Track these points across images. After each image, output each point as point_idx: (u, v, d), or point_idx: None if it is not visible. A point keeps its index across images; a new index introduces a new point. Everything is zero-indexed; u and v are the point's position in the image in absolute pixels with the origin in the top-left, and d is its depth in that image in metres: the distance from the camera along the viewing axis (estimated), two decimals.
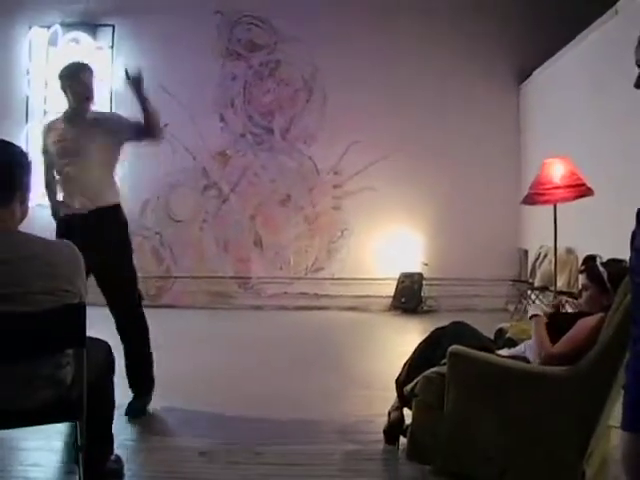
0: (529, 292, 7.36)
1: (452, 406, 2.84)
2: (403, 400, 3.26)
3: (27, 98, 8.35)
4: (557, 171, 4.79)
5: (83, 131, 3.77)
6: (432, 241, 8.52)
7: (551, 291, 6.24)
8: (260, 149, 8.75)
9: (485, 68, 8.57)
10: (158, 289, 8.50)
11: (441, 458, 2.88)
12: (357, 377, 4.92)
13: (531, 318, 3.06)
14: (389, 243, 8.52)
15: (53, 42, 8.43)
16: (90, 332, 2.32)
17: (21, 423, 2.45)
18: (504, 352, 3.10)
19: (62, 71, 3.86)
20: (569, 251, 6.60)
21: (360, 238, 8.60)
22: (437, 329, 3.39)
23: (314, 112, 8.69)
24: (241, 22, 8.72)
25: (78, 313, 2.27)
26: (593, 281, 2.98)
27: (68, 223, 3.76)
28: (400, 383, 3.31)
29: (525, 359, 2.94)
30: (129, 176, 8.51)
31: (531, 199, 5.00)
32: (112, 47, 8.37)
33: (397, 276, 8.41)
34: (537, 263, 7.45)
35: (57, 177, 3.84)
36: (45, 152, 3.87)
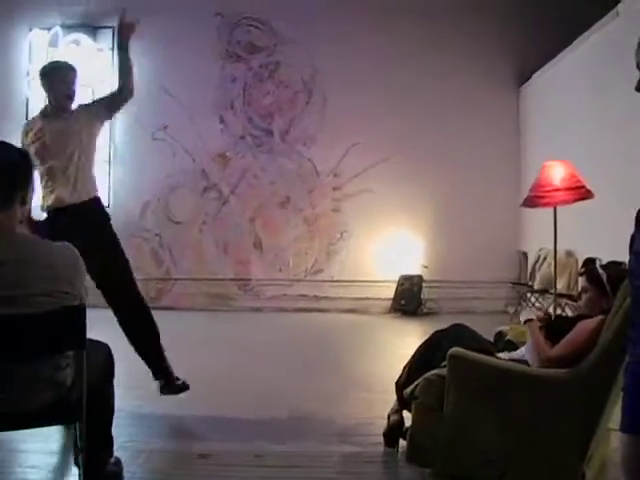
0: (529, 295, 7.36)
1: (452, 408, 2.83)
2: (403, 402, 3.25)
3: (27, 100, 8.37)
4: (557, 174, 4.78)
5: (63, 127, 3.79)
6: (432, 243, 8.53)
7: (551, 294, 6.24)
8: (260, 151, 8.76)
9: (485, 71, 8.58)
10: (158, 291, 8.50)
11: (441, 461, 2.87)
12: (357, 379, 4.92)
13: (525, 323, 3.05)
14: (389, 245, 8.53)
15: (53, 44, 8.46)
16: (90, 334, 2.32)
17: (21, 425, 2.44)
18: (504, 355, 3.10)
19: (44, 69, 3.89)
20: (569, 254, 6.61)
21: (360, 240, 8.60)
22: (437, 331, 3.38)
23: (314, 114, 8.70)
24: (241, 24, 8.73)
25: (78, 315, 2.27)
26: (592, 283, 2.98)
27: (52, 220, 3.77)
28: (400, 385, 3.30)
29: (526, 362, 2.93)
30: (130, 178, 8.56)
31: (531, 202, 4.99)
32: (112, 49, 8.38)
33: (397, 278, 8.41)
34: (537, 266, 7.46)
35: (38, 174, 3.80)
36: None
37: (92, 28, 8.53)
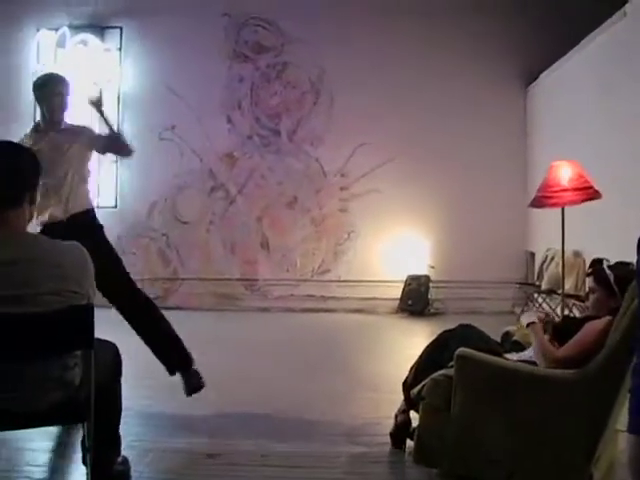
0: (536, 295, 7.34)
1: (459, 409, 2.83)
2: (410, 403, 3.25)
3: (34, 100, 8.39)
4: (565, 174, 4.76)
5: (56, 143, 3.83)
6: (439, 243, 8.51)
7: (558, 294, 6.23)
8: (267, 151, 8.76)
9: (492, 70, 8.56)
10: (165, 291, 8.51)
11: (448, 461, 2.87)
12: (364, 379, 4.92)
13: (528, 326, 3.04)
14: (396, 245, 8.52)
15: (61, 44, 8.47)
16: (98, 333, 2.33)
17: (30, 425, 2.46)
18: (513, 357, 3.09)
19: (37, 81, 3.96)
20: (576, 254, 6.58)
21: (367, 240, 8.60)
22: (444, 331, 3.38)
23: (321, 114, 8.70)
24: (248, 24, 8.74)
25: (86, 314, 2.28)
26: (600, 284, 2.97)
27: (48, 232, 3.79)
28: (407, 386, 3.30)
29: (534, 363, 2.92)
30: (137, 178, 8.59)
31: (539, 202, 4.98)
32: (120, 49, 8.42)
33: (404, 278, 8.40)
34: (544, 266, 7.44)
35: None
36: None
37: (99, 28, 8.55)
